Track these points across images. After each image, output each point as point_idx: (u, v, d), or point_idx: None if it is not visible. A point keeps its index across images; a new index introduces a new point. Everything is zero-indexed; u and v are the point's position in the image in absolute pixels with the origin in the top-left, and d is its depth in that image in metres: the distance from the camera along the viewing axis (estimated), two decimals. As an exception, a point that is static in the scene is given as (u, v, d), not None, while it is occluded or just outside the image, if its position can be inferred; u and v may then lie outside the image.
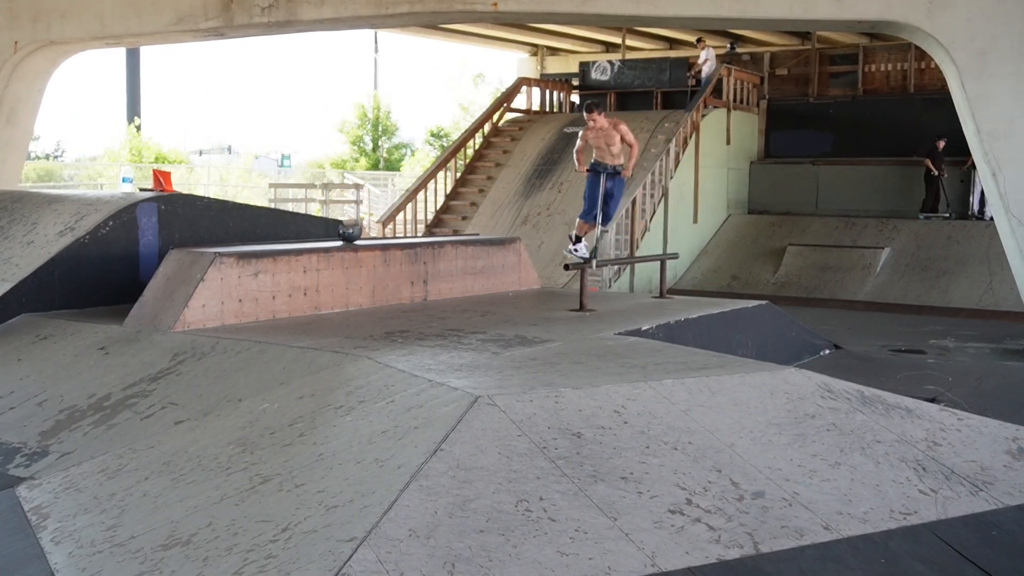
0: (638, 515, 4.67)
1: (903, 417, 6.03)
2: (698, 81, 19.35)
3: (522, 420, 5.26)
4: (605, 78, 21.09)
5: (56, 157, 35.13)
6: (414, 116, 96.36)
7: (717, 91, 18.94)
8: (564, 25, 21.73)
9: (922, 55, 17.74)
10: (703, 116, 18.26)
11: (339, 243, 9.70)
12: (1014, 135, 10.79)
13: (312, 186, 26.65)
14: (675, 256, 14.43)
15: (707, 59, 19.20)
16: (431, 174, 18.75)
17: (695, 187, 17.98)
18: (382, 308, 9.47)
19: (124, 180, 24.14)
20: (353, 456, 5.18)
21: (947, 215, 17.54)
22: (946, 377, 9.50)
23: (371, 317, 8.87)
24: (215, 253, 8.37)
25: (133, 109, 35.66)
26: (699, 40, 20.54)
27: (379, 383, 6.17)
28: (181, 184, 25.32)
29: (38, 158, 32.37)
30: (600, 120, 9.63)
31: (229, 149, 51.02)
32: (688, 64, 19.92)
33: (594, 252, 10.16)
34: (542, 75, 23.99)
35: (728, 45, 20.76)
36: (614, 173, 9.92)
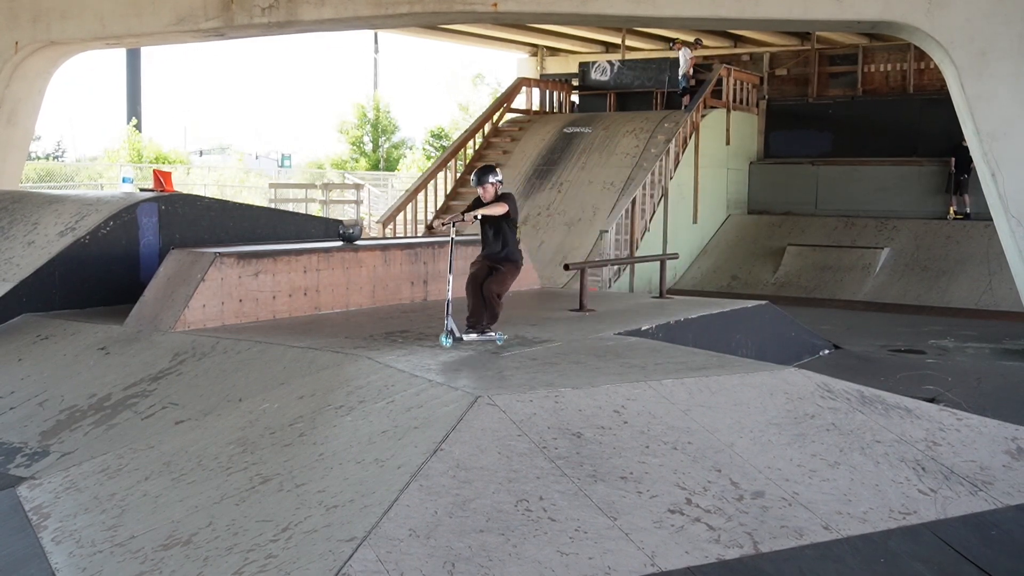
0: (638, 515, 4.68)
1: (903, 417, 6.04)
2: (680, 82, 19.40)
3: (522, 420, 5.26)
4: (605, 78, 21.10)
5: (56, 157, 35.12)
6: (414, 116, 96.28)
7: (717, 91, 18.95)
8: (564, 25, 21.73)
9: (922, 55, 17.75)
10: (703, 116, 18.26)
11: (339, 243, 9.71)
12: (1013, 135, 10.79)
13: (312, 186, 26.64)
14: (675, 256, 14.44)
15: (684, 59, 19.23)
16: (431, 174, 18.76)
17: (695, 187, 17.98)
18: (382, 308, 9.48)
19: (124, 180, 24.10)
20: (353, 456, 5.19)
21: (966, 214, 17.47)
22: (946, 377, 9.51)
23: (371, 317, 8.87)
24: (215, 253, 8.38)
25: (133, 109, 35.64)
26: (674, 41, 20.53)
27: (379, 383, 6.18)
28: (181, 184, 25.31)
29: (38, 158, 32.35)
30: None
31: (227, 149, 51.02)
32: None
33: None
34: (542, 75, 23.99)
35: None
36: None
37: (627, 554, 4.41)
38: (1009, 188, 10.83)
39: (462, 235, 8.93)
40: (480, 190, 7.74)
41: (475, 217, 7.54)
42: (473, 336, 7.57)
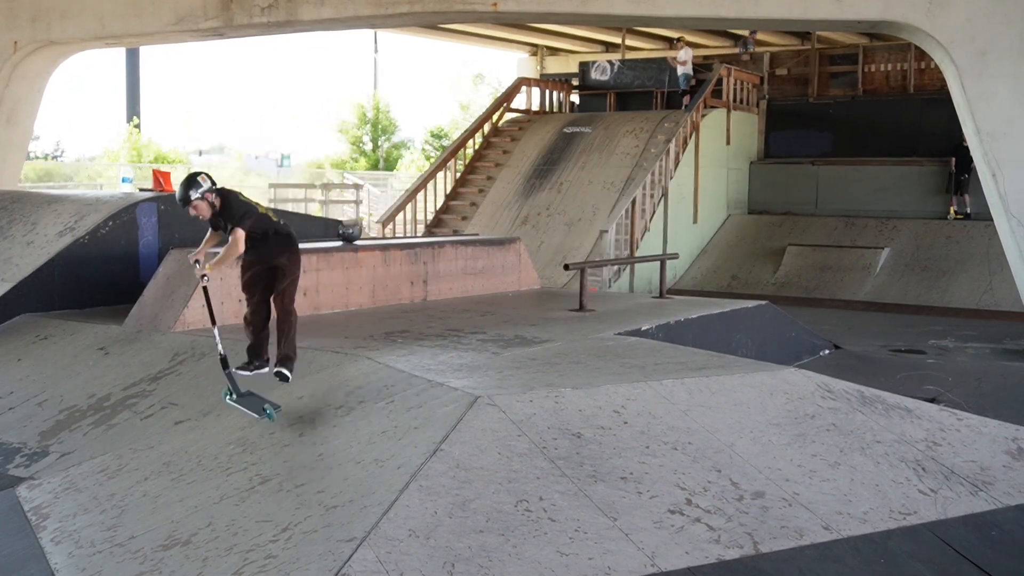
0: (638, 515, 4.67)
1: (903, 417, 6.03)
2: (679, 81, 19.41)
3: (522, 420, 5.25)
4: (605, 78, 21.09)
5: (56, 157, 35.11)
6: (414, 116, 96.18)
7: (717, 91, 18.94)
8: (564, 25, 21.72)
9: (922, 55, 17.74)
10: (703, 116, 18.26)
11: (339, 243, 9.70)
12: (1014, 135, 10.78)
13: (312, 186, 26.66)
14: (675, 256, 14.43)
15: (685, 59, 19.23)
16: (431, 174, 18.76)
17: (695, 187, 17.97)
18: (382, 308, 9.47)
19: (124, 180, 24.12)
20: (353, 456, 5.18)
21: (967, 214, 17.46)
22: (946, 377, 9.50)
23: (371, 317, 8.87)
24: (215, 253, 8.36)
25: (133, 109, 35.62)
26: (678, 40, 20.58)
27: (379, 383, 6.17)
28: (181, 184, 25.27)
29: (38, 158, 32.34)
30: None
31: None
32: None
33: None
34: (542, 75, 23.99)
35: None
36: None
37: (627, 554, 4.40)
38: (1009, 188, 10.82)
39: (460, 235, 8.79)
40: (190, 211, 5.95)
41: (204, 270, 5.95)
42: (263, 371, 6.14)
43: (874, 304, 15.49)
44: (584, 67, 21.59)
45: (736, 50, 21.33)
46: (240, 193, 6.21)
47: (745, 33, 20.61)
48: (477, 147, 19.57)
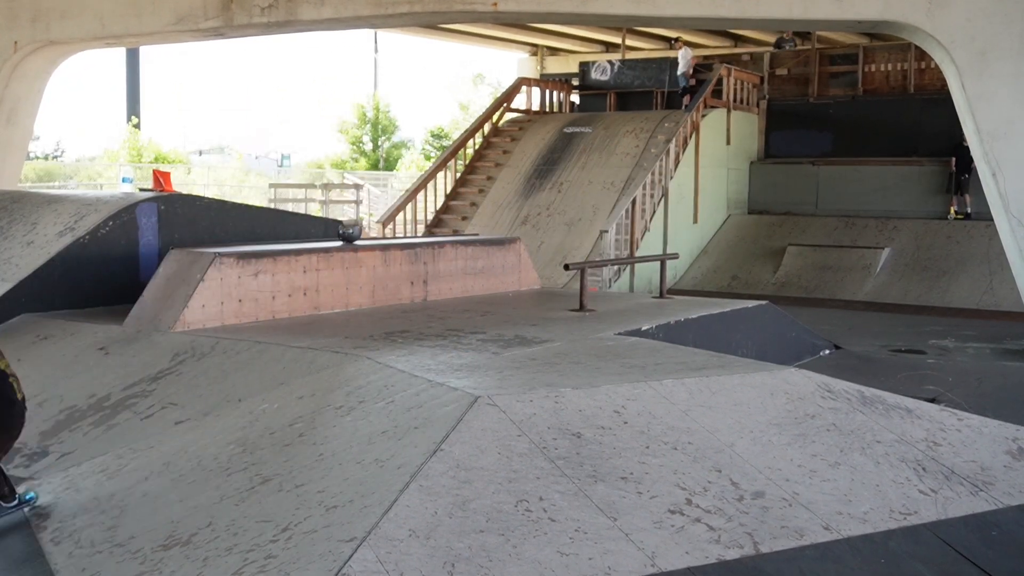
0: (638, 515, 4.67)
1: (903, 417, 6.03)
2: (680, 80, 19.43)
3: (522, 420, 5.25)
4: (605, 78, 21.10)
5: (56, 157, 35.12)
6: (414, 116, 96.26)
7: (717, 91, 18.94)
8: (564, 25, 21.74)
9: (922, 55, 17.75)
10: (703, 116, 18.26)
11: (339, 243, 9.70)
12: (1014, 135, 10.79)
13: (312, 186, 26.68)
14: (675, 256, 14.43)
15: (684, 59, 19.25)
16: (431, 174, 18.76)
17: (695, 187, 17.98)
18: (382, 308, 9.47)
19: (124, 180, 24.16)
20: (353, 456, 5.18)
21: (967, 214, 17.46)
22: (946, 377, 9.50)
23: (371, 317, 8.87)
24: (215, 253, 8.37)
25: (133, 109, 35.68)
26: (676, 40, 20.59)
27: (379, 383, 6.17)
28: (181, 184, 25.32)
29: (38, 158, 32.36)
30: None
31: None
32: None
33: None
34: (542, 75, 24.01)
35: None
36: None
37: (627, 554, 4.40)
38: (1009, 187, 10.83)
39: (460, 235, 8.77)
40: None
41: None
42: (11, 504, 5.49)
43: (874, 304, 15.49)
44: (584, 67, 21.60)
45: (735, 52, 21.35)
46: None
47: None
48: (477, 147, 19.58)
